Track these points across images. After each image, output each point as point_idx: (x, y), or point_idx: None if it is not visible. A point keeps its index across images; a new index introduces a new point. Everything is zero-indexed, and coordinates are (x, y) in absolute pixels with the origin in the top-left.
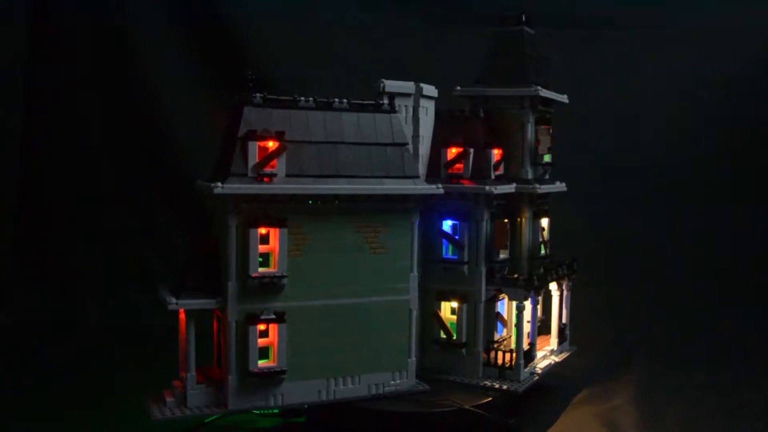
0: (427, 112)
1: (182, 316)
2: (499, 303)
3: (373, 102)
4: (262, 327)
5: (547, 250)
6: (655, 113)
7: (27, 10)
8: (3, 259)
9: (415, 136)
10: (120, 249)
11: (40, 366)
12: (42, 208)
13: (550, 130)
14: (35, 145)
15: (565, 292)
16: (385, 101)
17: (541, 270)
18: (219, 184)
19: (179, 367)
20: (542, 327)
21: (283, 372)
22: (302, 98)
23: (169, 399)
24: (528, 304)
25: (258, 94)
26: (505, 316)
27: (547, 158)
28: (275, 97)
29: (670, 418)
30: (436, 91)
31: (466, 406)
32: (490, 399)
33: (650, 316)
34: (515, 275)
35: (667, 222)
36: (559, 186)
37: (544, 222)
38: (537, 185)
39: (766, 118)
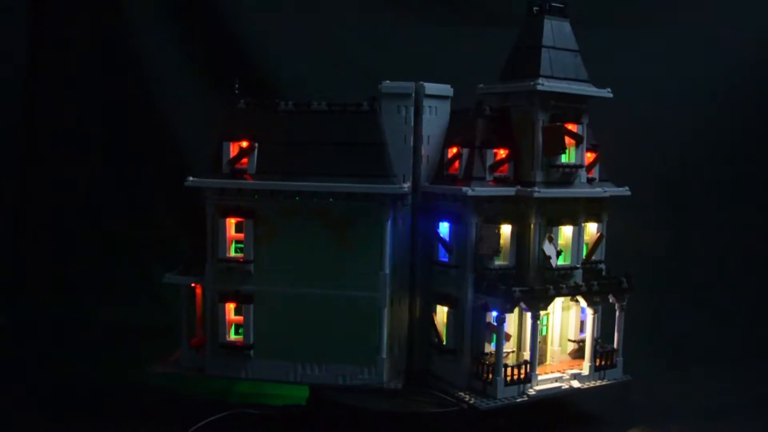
0: (436, 112)
1: (198, 291)
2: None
3: (353, 103)
4: (232, 305)
5: (552, 262)
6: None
7: (27, 9)
8: (3, 259)
9: (416, 136)
10: (120, 249)
11: (40, 366)
12: (42, 208)
13: (564, 128)
14: (35, 145)
15: (617, 312)
16: (365, 102)
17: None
18: (190, 177)
19: None
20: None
21: (248, 347)
22: (282, 102)
23: (172, 359)
24: (526, 319)
25: (242, 100)
26: (507, 329)
27: (568, 159)
28: (257, 101)
29: None
30: (451, 89)
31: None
32: (446, 410)
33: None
34: (500, 285)
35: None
36: (590, 191)
37: (567, 230)
38: (536, 189)
39: None
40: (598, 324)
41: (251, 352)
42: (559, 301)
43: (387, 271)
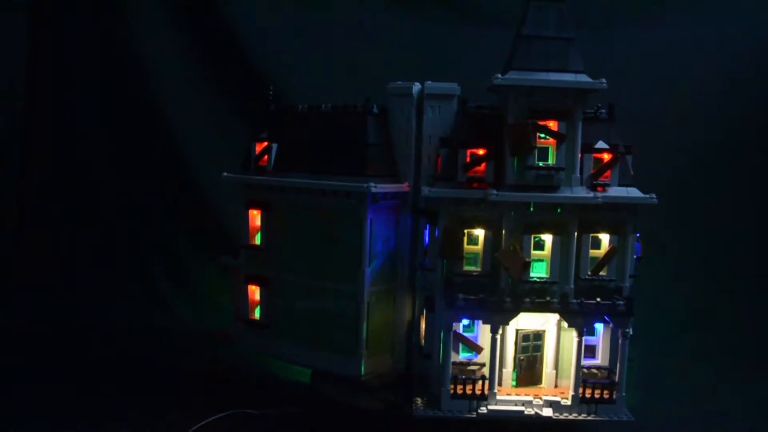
0: (439, 111)
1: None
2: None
3: (351, 105)
4: (254, 287)
5: (513, 272)
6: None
7: (28, 12)
8: (3, 259)
9: (415, 135)
10: (120, 249)
11: (40, 366)
12: (42, 209)
13: (532, 125)
14: (35, 145)
15: (620, 340)
16: (359, 103)
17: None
18: (225, 173)
19: None
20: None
21: (262, 326)
22: (300, 105)
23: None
24: (506, 333)
25: (273, 105)
26: (478, 340)
27: (553, 160)
28: (282, 106)
29: None
30: (456, 88)
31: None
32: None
33: None
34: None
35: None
36: (571, 197)
37: (548, 239)
38: (493, 191)
39: None
40: (620, 350)
41: (266, 331)
42: (553, 320)
43: (367, 267)
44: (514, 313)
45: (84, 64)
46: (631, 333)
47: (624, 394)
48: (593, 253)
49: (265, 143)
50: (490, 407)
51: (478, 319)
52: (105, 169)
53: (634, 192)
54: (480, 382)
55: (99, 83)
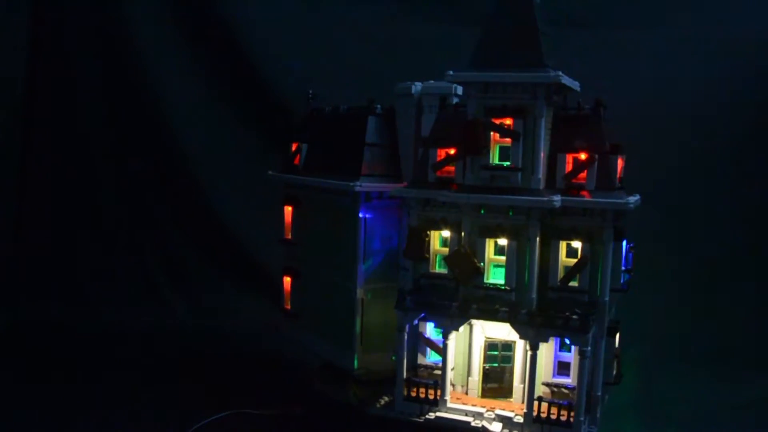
0: (437, 111)
1: None
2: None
3: (357, 106)
4: (287, 278)
5: (470, 278)
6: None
7: (29, 10)
8: (3, 259)
9: (414, 135)
10: (120, 249)
11: (40, 366)
12: (42, 209)
13: (483, 123)
14: (36, 145)
15: (578, 358)
16: (362, 104)
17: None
18: (270, 171)
19: None
20: None
21: (291, 315)
22: (327, 107)
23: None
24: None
25: (312, 108)
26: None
27: (506, 161)
28: (316, 107)
29: None
30: (456, 88)
31: None
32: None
33: None
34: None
35: None
36: (526, 199)
37: (503, 242)
38: (444, 192)
39: None
40: (578, 369)
41: (295, 320)
42: None
43: (361, 264)
44: (462, 319)
45: (85, 63)
46: (590, 351)
47: (582, 418)
48: (568, 261)
49: (298, 143)
50: (438, 414)
51: (429, 322)
52: (105, 169)
53: (613, 196)
54: (433, 387)
55: (99, 83)
